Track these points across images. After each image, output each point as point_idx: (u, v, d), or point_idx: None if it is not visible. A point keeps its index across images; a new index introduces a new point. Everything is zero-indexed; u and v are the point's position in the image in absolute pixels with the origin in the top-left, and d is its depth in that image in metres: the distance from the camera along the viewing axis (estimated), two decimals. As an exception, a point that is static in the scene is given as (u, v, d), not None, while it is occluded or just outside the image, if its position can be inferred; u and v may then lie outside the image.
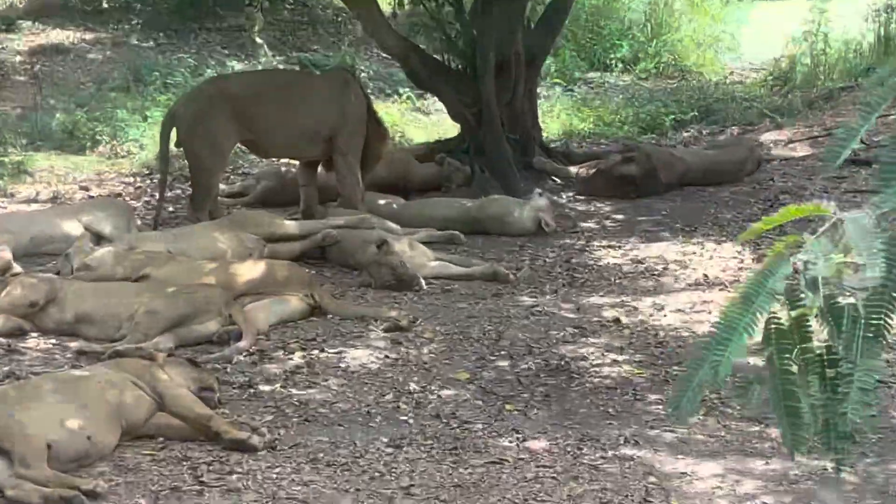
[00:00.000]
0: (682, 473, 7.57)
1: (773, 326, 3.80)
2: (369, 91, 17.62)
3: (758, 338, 3.86)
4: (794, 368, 3.79)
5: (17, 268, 10.94)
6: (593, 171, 14.36)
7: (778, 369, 3.80)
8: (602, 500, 7.22)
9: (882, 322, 3.67)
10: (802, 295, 3.73)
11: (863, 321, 3.68)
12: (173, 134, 12.59)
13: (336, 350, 9.57)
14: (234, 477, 7.44)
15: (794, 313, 3.77)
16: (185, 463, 7.62)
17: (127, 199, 13.71)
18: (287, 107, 12.66)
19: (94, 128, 16.27)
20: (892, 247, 3.64)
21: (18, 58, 19.65)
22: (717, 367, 3.82)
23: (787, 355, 3.79)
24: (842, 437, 3.81)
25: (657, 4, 21.12)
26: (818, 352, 3.78)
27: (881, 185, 3.82)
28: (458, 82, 14.39)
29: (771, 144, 16.05)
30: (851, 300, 3.69)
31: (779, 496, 7.32)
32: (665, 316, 10.43)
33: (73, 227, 11.90)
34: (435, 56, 14.74)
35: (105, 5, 21.88)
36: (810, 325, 3.77)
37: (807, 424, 3.83)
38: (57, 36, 20.72)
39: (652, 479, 7.50)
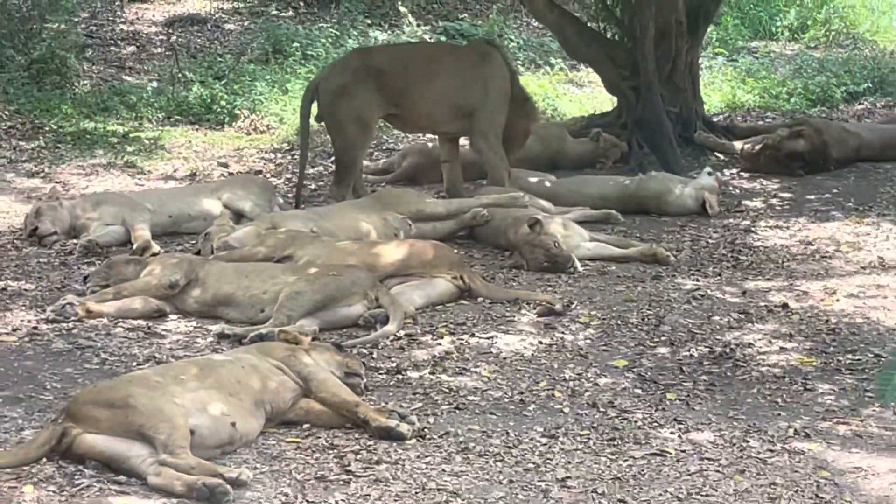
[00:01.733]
0: (857, 468, 7.52)
1: None
2: (519, 62, 17.68)
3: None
4: None
5: (155, 247, 11.13)
6: (759, 146, 14.26)
7: None
8: (771, 495, 7.20)
9: None
10: None
11: None
12: (314, 108, 12.70)
13: (487, 335, 9.62)
14: (382, 467, 7.52)
15: None
16: (330, 451, 7.72)
17: (267, 175, 13.83)
18: (432, 80, 12.71)
19: (232, 101, 16.42)
20: None
21: (154, 28, 19.89)
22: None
23: None
24: None
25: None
26: None
27: None
28: (614, 52, 14.37)
29: (951, 119, 15.82)
30: None
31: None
32: (837, 301, 10.34)
33: (212, 206, 12.06)
34: (590, 24, 14.72)
35: (243, -28, 22.08)
36: None
37: None
38: (193, 5, 20.95)
39: (824, 473, 7.46)
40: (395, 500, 7.16)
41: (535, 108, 13.53)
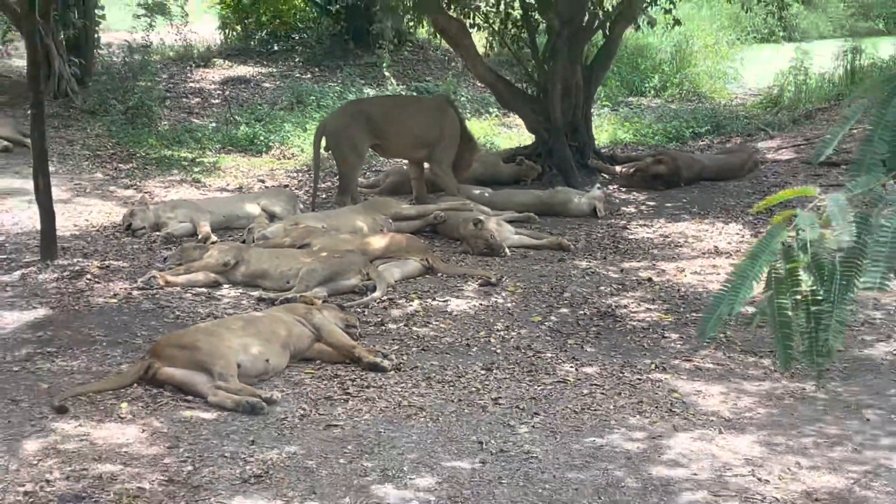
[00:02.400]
0: (697, 391, 7.59)
1: (773, 275, 3.83)
2: (467, 111, 17.70)
3: (759, 289, 3.90)
4: (789, 305, 3.82)
5: (213, 238, 11.14)
6: (632, 169, 14.33)
7: (776, 305, 3.83)
8: (639, 410, 7.26)
9: (853, 274, 3.70)
10: (795, 253, 3.76)
11: (839, 273, 3.71)
12: (323, 141, 12.72)
13: (444, 299, 9.65)
14: (371, 390, 7.55)
15: (788, 266, 3.80)
16: (335, 379, 7.75)
17: (292, 188, 13.82)
18: (404, 122, 12.77)
19: (267, 137, 16.42)
20: (860, 219, 3.66)
21: (213, 86, 19.81)
22: (732, 304, 3.87)
23: (783, 296, 3.82)
24: (822, 355, 3.83)
25: (681, 46, 20.94)
26: (806, 294, 3.80)
27: (853, 175, 3.86)
28: (533, 105, 14.39)
29: (765, 150, 15.88)
30: (829, 257, 3.72)
31: (768, 409, 7.31)
32: (685, 276, 10.40)
33: (253, 209, 12.07)
34: (516, 84, 14.73)
35: (276, 48, 21.99)
36: (800, 275, 3.79)
37: (797, 346, 3.86)
38: (241, 70, 20.88)
39: (675, 395, 7.52)
40: (380, 413, 7.17)
41: (476, 143, 13.54)
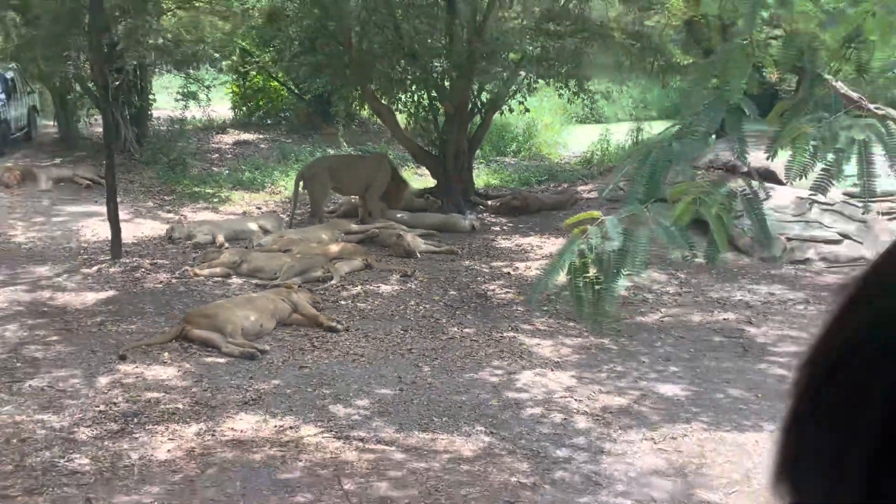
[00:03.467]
0: (537, 344, 7.67)
1: (573, 266, 3.92)
2: (397, 162, 17.65)
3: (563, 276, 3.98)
4: (582, 285, 3.91)
5: (226, 244, 10.96)
6: (498, 203, 14.37)
7: (574, 286, 3.92)
8: (500, 356, 7.32)
9: (620, 265, 3.82)
10: (586, 253, 3.87)
11: (612, 265, 3.82)
12: (301, 182, 12.62)
13: (377, 285, 9.56)
14: (329, 343, 7.51)
15: (581, 260, 3.90)
16: (305, 337, 7.69)
17: (279, 213, 13.68)
18: (352, 172, 12.72)
19: (263, 179, 16.21)
20: (625, 232, 3.78)
21: (227, 146, 19.55)
22: (546, 282, 3.97)
23: (579, 279, 3.91)
24: (602, 316, 3.96)
25: (530, 126, 21.09)
26: (592, 279, 3.90)
27: (624, 205, 3.98)
28: (435, 161, 14.41)
29: (581, 192, 16.09)
30: (606, 256, 3.83)
31: (580, 355, 7.43)
32: (531, 271, 10.45)
33: (253, 226, 11.88)
34: (425, 148, 14.76)
35: (269, 122, 21.79)
36: (588, 266, 3.89)
37: (586, 310, 3.96)
38: (246, 136, 20.61)
39: (522, 346, 7.59)
40: (334, 359, 7.15)
41: (406, 184, 13.51)
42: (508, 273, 10.33)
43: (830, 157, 3.61)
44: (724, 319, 8.37)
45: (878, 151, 3.70)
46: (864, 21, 3.74)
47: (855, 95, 3.72)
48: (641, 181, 3.81)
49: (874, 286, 0.56)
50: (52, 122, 20.00)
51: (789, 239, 10.49)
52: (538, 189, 16.86)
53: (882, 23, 3.71)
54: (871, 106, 3.68)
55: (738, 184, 4.03)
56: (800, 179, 3.77)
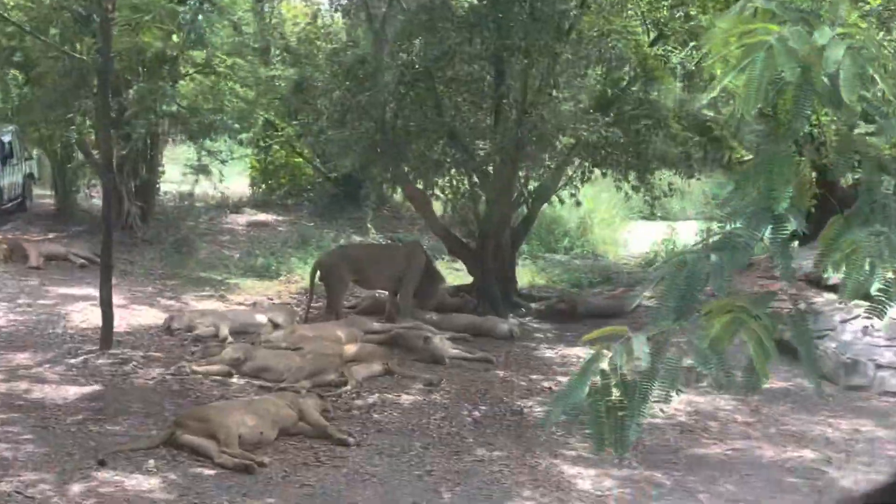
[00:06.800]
0: (575, 473, 7.55)
1: (595, 387, 3.94)
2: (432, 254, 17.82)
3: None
4: (602, 410, 3.92)
5: (230, 339, 11.08)
6: (543, 306, 14.38)
7: (594, 409, 3.93)
8: (533, 485, 7.22)
9: (646, 389, 3.83)
10: (609, 373, 3.89)
11: (637, 389, 3.84)
12: (318, 273, 12.81)
13: (396, 394, 9.58)
14: (337, 459, 7.55)
15: (603, 382, 3.92)
16: (311, 450, 7.72)
17: (292, 305, 13.82)
18: (377, 263, 12.91)
19: (278, 266, 16.41)
20: (654, 351, 3.80)
21: (240, 227, 19.94)
22: (563, 407, 4.00)
23: (599, 402, 3.92)
24: (625, 446, 3.96)
25: (584, 220, 21.25)
26: (615, 401, 3.91)
27: (653, 320, 4.01)
28: (473, 255, 14.51)
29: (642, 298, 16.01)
30: (632, 377, 3.85)
31: (626, 491, 7.28)
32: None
33: (262, 319, 12.02)
34: (462, 239, 14.89)
35: (290, 202, 22.22)
36: (612, 388, 3.91)
37: (607, 438, 3.94)
38: (263, 217, 21.02)
39: (560, 475, 7.48)
40: (343, 477, 7.15)
41: (442, 279, 13.65)
42: (549, 388, 10.21)
43: (890, 276, 3.64)
44: (800, 457, 8.21)
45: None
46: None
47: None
48: (674, 296, 3.85)
49: None
50: (49, 192, 20.64)
51: (880, 366, 10.34)
52: (590, 292, 16.87)
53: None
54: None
55: (797, 301, 4.06)
56: (854, 299, 3.79)
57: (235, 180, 21.43)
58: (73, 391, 8.86)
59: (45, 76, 15.01)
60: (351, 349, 10.54)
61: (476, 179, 14.39)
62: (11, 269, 14.58)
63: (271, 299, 14.48)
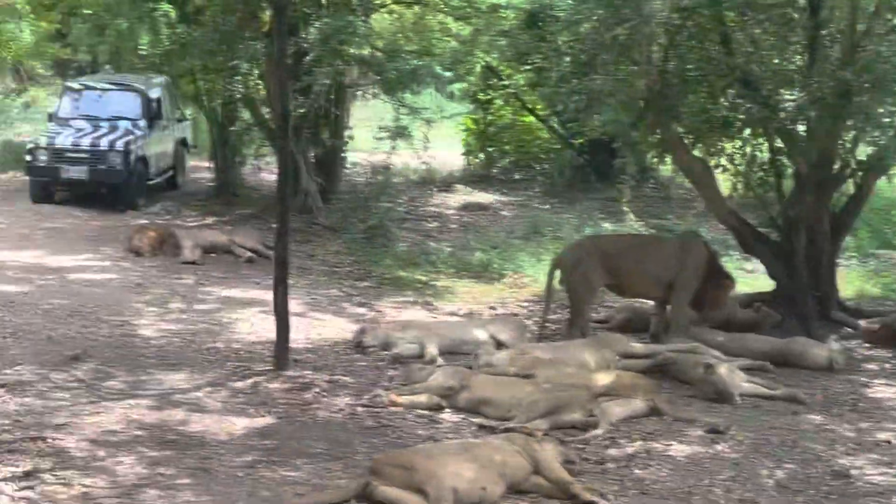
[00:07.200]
0: None
1: None
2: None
3: None
4: None
5: (440, 360, 11.30)
6: (878, 325, 13.86)
7: None
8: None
9: None
10: None
11: None
12: (557, 273, 12.86)
13: (667, 442, 9.51)
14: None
15: None
16: (549, 514, 7.74)
17: (522, 317, 13.93)
18: (640, 260, 12.81)
19: (502, 265, 16.55)
20: None
21: (451, 211, 20.27)
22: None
23: None
24: None
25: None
26: None
27: None
28: (775, 251, 14.16)
29: None
30: None
31: None
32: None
33: (481, 335, 12.19)
34: (759, 229, 14.56)
35: (516, 177, 22.37)
36: None
37: None
38: (480, 197, 21.29)
39: None
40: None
41: (732, 281, 13.35)
42: (888, 441, 9.91)
43: None
44: None
45: None
46: None
47: None
48: None
49: None
50: (206, 163, 21.63)
51: None
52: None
53: None
54: None
55: None
56: None
57: (445, 148, 21.75)
58: (239, 424, 9.27)
59: (203, 12, 15.67)
60: (603, 379, 10.52)
61: (780, 144, 14.02)
62: (161, 265, 15.35)
63: (493, 308, 14.64)
